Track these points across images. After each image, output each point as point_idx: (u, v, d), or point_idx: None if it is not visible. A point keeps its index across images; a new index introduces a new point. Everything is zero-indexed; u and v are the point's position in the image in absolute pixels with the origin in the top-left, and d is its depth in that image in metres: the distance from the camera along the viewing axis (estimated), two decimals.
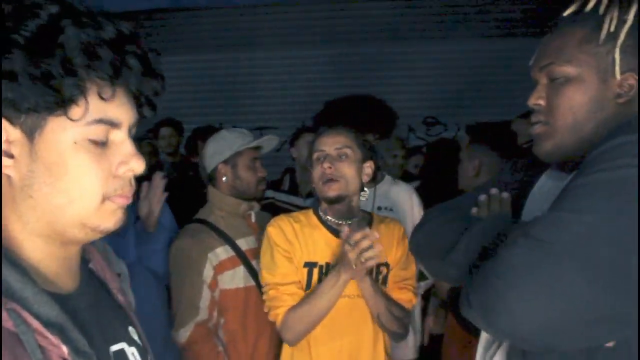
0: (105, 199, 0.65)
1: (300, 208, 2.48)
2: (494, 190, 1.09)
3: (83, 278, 0.72)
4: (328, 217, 1.62)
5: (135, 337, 0.78)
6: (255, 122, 4.89)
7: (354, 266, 1.42)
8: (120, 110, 0.65)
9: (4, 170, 0.62)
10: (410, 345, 2.29)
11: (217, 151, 1.95)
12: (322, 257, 1.59)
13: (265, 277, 1.59)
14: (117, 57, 0.62)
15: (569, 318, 0.76)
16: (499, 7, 4.76)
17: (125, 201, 0.68)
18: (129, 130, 0.67)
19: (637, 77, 0.92)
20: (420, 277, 2.22)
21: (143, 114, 0.69)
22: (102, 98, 0.62)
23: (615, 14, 0.90)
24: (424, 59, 4.89)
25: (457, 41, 4.80)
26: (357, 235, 1.40)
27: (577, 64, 0.94)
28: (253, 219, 1.98)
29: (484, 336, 1.07)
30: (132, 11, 4.63)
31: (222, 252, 1.89)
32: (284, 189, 2.85)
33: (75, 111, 0.61)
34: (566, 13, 0.96)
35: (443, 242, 1.03)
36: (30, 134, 0.61)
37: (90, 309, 0.70)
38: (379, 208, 2.21)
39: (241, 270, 1.88)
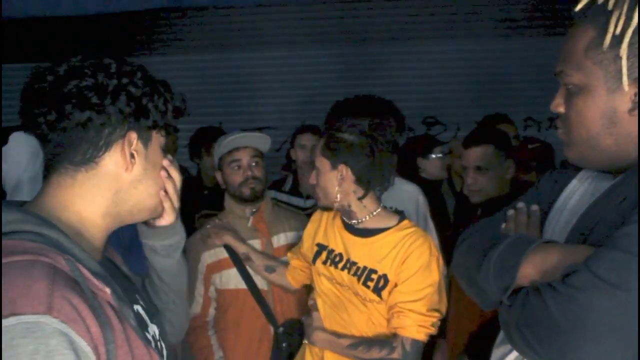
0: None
1: (302, 209, 2.47)
2: (520, 204, 1.03)
3: (103, 255, 0.92)
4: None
5: (140, 301, 0.97)
6: (255, 122, 4.88)
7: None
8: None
9: (126, 173, 0.86)
10: None
11: (213, 163, 2.05)
12: (334, 244, 1.65)
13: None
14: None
15: None
16: (499, 7, 4.75)
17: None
18: None
19: None
20: None
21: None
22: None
23: (624, 10, 0.79)
24: (424, 59, 4.88)
25: (457, 41, 4.79)
26: None
27: (584, 72, 0.85)
28: (263, 220, 1.99)
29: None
30: (132, 11, 4.63)
31: (217, 253, 1.93)
32: (285, 190, 2.86)
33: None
34: (578, 7, 0.86)
35: (471, 264, 0.97)
36: (145, 145, 0.88)
37: (113, 276, 0.87)
38: (384, 207, 2.19)
39: (232, 272, 1.91)
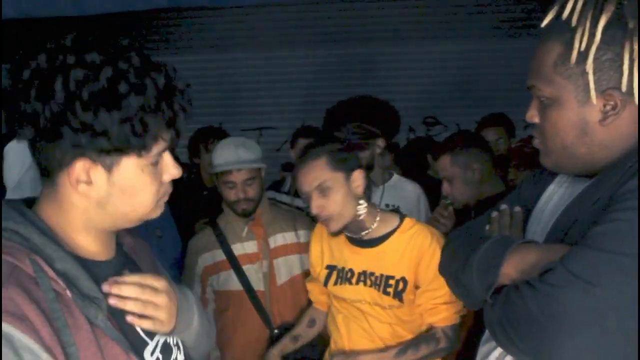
0: (156, 201, 0.87)
1: (302, 209, 2.47)
2: (503, 206, 1.07)
3: (118, 254, 0.92)
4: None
5: None
6: (255, 122, 4.88)
7: None
8: (166, 139, 0.84)
9: (82, 194, 0.80)
10: None
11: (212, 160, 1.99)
12: (342, 261, 1.65)
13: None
14: (171, 112, 0.81)
15: None
16: (498, 7, 4.76)
17: (167, 198, 0.89)
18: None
19: (620, 94, 0.84)
20: None
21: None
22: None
23: (587, 26, 0.83)
24: (424, 59, 4.88)
25: (457, 41, 4.80)
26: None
27: (555, 86, 0.89)
28: (260, 223, 1.98)
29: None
30: (132, 11, 4.62)
31: (215, 255, 1.94)
32: (284, 190, 2.85)
33: (144, 153, 0.81)
34: (544, 24, 0.90)
35: (457, 265, 1.01)
36: (109, 169, 0.80)
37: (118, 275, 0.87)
38: (387, 205, 2.20)
39: (229, 274, 1.91)
